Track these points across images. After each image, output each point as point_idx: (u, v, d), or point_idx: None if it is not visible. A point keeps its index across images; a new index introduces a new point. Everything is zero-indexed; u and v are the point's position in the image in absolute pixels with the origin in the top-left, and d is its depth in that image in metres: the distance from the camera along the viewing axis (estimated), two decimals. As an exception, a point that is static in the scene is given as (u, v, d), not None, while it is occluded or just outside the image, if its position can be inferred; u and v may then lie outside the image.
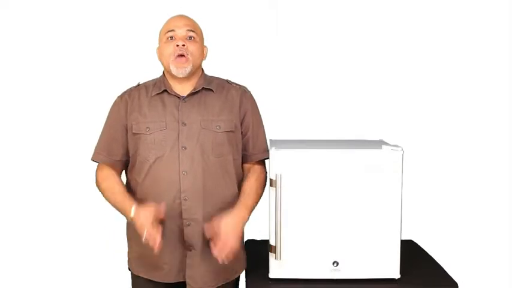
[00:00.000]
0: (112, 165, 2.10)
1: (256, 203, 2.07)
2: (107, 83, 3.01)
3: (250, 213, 2.03)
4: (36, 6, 3.22)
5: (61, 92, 3.25)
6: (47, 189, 3.25)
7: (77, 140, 3.10)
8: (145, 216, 1.91)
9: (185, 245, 2.01)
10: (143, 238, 1.89)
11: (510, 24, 3.24)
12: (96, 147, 2.12)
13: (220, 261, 1.91)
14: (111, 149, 2.08)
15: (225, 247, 1.91)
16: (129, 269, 2.17)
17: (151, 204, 1.94)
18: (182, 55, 2.00)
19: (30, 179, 3.26)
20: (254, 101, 2.16)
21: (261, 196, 2.10)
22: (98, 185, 2.10)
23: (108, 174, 2.08)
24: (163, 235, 1.94)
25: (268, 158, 2.06)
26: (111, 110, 2.11)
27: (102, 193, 2.08)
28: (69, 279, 3.20)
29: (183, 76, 2.03)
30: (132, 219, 1.95)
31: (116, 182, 2.07)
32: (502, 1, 3.23)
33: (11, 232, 3.26)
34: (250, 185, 2.07)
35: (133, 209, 1.95)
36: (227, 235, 1.91)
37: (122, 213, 2.03)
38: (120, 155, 2.09)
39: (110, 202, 2.06)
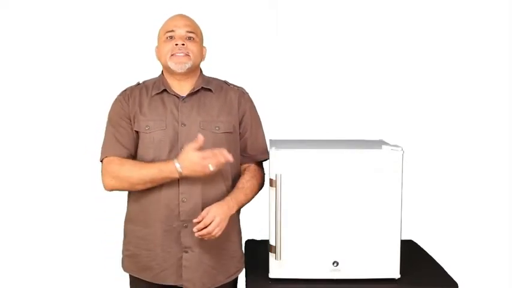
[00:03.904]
0: (121, 156, 2.01)
1: (248, 199, 2.06)
2: (106, 83, 3.00)
3: (239, 207, 2.03)
4: (36, 6, 3.22)
5: (61, 92, 3.25)
6: (45, 189, 3.24)
7: (75, 140, 3.10)
8: (194, 157, 1.87)
9: (181, 247, 2.01)
10: (212, 169, 1.88)
11: (510, 24, 3.24)
12: (103, 147, 2.05)
13: (196, 235, 1.90)
14: (120, 143, 2.01)
15: (205, 226, 1.89)
16: (123, 269, 2.13)
17: (185, 149, 1.90)
18: (186, 54, 1.99)
19: (29, 179, 3.26)
20: (252, 102, 2.16)
21: (254, 194, 2.08)
22: (114, 175, 1.97)
23: (122, 160, 1.98)
24: (158, 235, 1.97)
25: (267, 159, 2.05)
26: (113, 108, 2.08)
27: (126, 179, 1.96)
28: (69, 279, 3.20)
29: (182, 71, 2.02)
30: (181, 175, 1.91)
31: (135, 161, 1.99)
32: (502, 1, 3.23)
33: (9, 231, 3.26)
34: (244, 181, 2.06)
35: (178, 166, 1.90)
36: (210, 218, 1.90)
37: (165, 178, 1.93)
38: (130, 145, 2.02)
39: (142, 179, 1.94)
